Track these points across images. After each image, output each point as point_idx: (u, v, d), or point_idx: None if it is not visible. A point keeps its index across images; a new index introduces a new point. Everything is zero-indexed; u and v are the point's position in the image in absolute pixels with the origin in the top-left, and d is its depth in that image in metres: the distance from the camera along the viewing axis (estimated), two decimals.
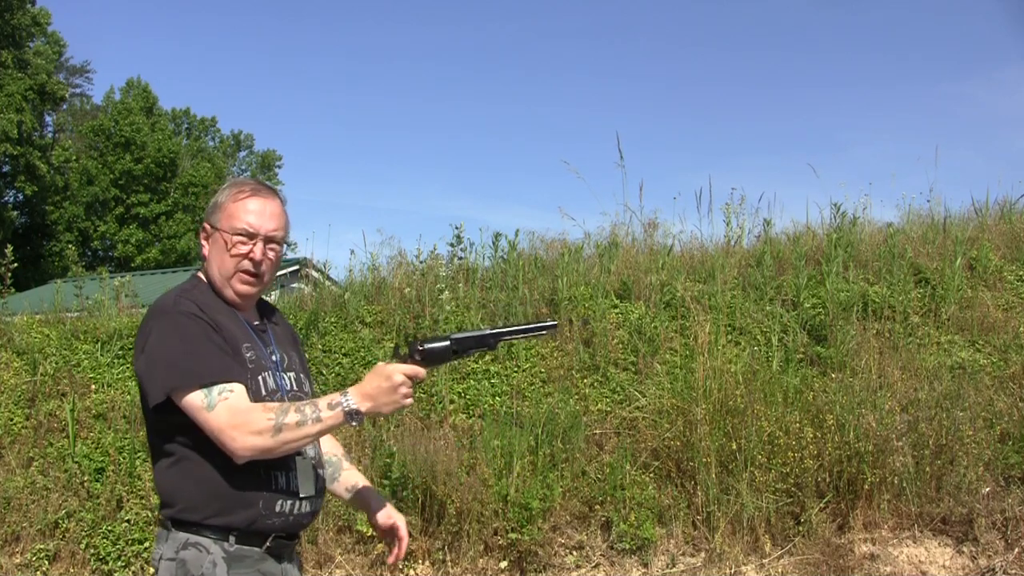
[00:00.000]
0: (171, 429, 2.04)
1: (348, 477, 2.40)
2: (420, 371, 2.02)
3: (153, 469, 2.13)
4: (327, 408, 1.97)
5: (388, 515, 2.35)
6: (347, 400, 1.97)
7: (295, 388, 2.19)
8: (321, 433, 2.01)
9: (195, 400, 1.96)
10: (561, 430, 5.60)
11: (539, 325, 2.22)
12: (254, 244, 2.12)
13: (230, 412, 1.95)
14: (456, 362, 2.09)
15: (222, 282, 2.14)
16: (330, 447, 2.39)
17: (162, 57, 59.11)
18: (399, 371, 1.99)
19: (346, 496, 2.40)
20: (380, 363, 2.06)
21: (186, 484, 2.03)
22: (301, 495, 2.09)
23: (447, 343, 2.07)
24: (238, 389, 2.00)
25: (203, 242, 2.17)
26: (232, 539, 2.00)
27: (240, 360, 2.07)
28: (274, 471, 2.05)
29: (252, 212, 2.12)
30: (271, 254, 2.16)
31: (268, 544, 2.05)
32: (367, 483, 2.42)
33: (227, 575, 1.98)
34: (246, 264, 2.12)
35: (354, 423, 1.99)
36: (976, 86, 59.03)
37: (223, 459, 1.99)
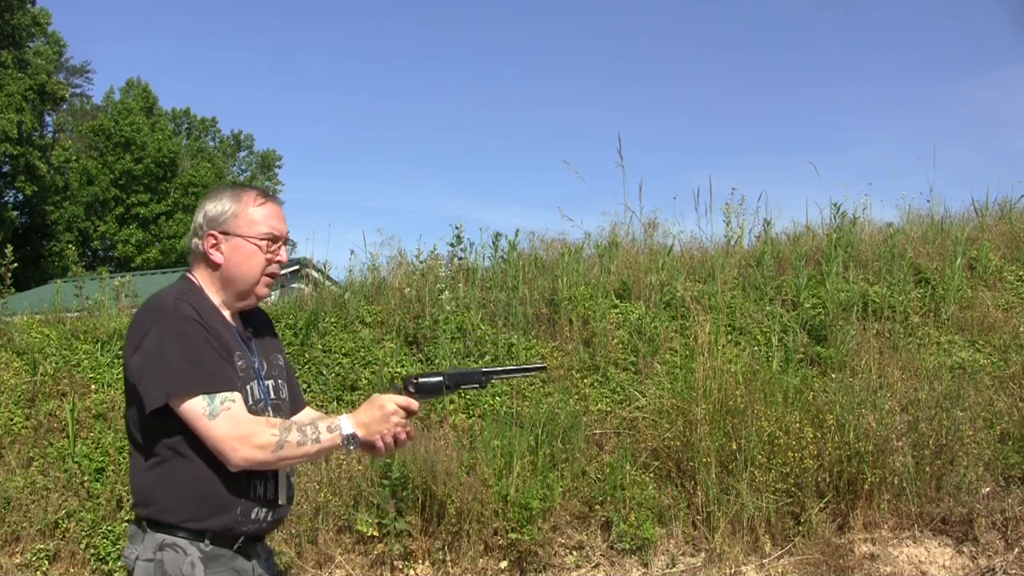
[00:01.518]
0: (157, 431, 2.07)
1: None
2: (413, 403, 2.13)
3: (130, 465, 2.18)
4: (326, 431, 2.07)
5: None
6: (344, 425, 2.08)
7: (275, 397, 2.25)
8: (318, 454, 2.09)
9: (196, 407, 2.00)
10: (561, 430, 5.59)
11: (529, 367, 2.40)
12: (278, 247, 2.21)
13: (233, 423, 2.00)
14: (453, 396, 2.30)
15: (246, 288, 2.19)
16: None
17: (162, 57, 59.22)
18: (392, 401, 2.10)
19: None
20: (376, 394, 2.16)
21: (165, 487, 2.07)
22: (279, 502, 2.17)
23: (440, 378, 2.20)
24: (239, 399, 2.05)
25: (210, 250, 2.18)
26: (207, 540, 2.07)
27: (233, 368, 2.11)
28: (255, 480, 2.11)
29: (273, 216, 2.21)
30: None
31: (238, 545, 2.12)
32: None
33: (204, 574, 2.04)
34: (274, 268, 2.21)
35: (351, 447, 2.08)
36: (976, 86, 59.05)
37: (206, 465, 2.05)
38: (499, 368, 2.31)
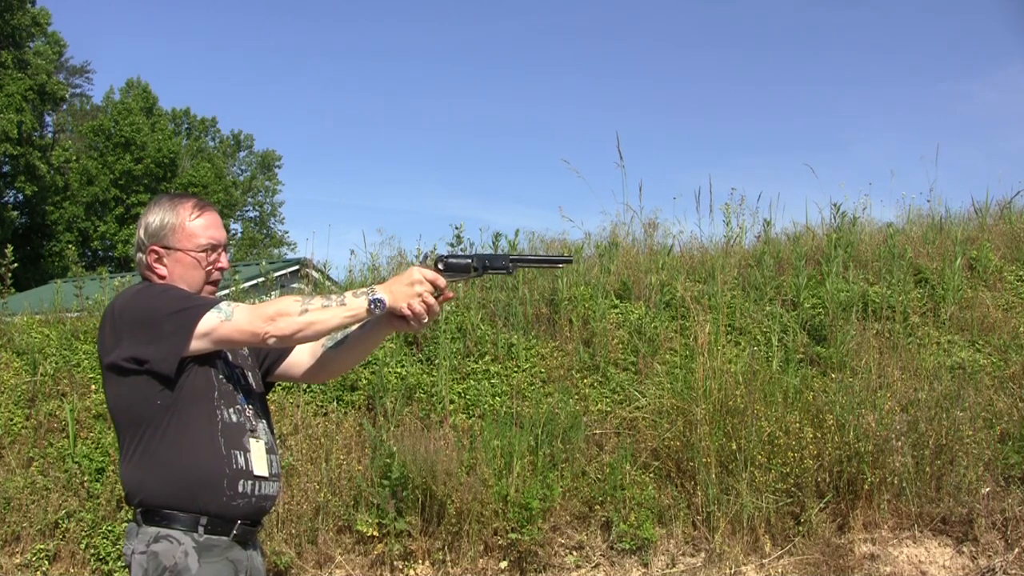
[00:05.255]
0: (138, 418, 2.11)
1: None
2: (439, 278, 2.20)
3: (119, 464, 2.21)
4: (352, 296, 2.15)
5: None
6: (371, 290, 2.16)
7: (244, 381, 2.30)
8: (346, 320, 2.14)
9: (211, 320, 2.08)
10: (561, 430, 5.59)
11: (555, 258, 2.45)
12: (218, 254, 2.28)
13: (249, 309, 2.11)
14: (477, 279, 2.35)
15: None
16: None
17: (162, 57, 59.14)
18: (418, 270, 2.19)
19: (363, 331, 2.37)
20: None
21: (151, 470, 2.10)
22: (256, 473, 2.18)
23: (468, 260, 2.30)
24: (242, 303, 2.16)
25: (154, 264, 2.24)
26: (201, 529, 2.09)
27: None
28: (233, 450, 2.14)
29: (211, 226, 2.27)
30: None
31: (235, 531, 2.14)
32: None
33: (198, 564, 2.06)
34: (216, 275, 2.28)
35: (377, 310, 2.14)
36: (977, 85, 59.07)
37: (187, 444, 2.08)
38: (527, 256, 2.37)
